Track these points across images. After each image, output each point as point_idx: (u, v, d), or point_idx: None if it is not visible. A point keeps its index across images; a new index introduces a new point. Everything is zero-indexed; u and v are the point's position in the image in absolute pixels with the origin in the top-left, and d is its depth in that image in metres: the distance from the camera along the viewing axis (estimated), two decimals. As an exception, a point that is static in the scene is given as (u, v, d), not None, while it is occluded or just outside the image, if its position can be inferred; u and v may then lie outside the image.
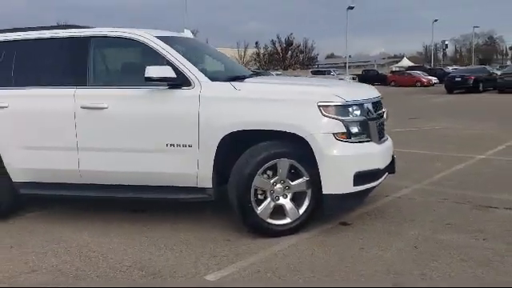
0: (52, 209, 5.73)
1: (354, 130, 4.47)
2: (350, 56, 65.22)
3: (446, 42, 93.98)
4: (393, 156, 5.11)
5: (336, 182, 4.42)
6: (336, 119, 4.39)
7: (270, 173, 4.57)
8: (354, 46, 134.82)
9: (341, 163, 4.41)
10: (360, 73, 52.16)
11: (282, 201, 4.61)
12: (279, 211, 4.63)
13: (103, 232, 4.94)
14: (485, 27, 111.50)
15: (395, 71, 51.93)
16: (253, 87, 4.85)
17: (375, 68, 66.15)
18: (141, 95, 4.81)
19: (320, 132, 4.36)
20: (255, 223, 4.55)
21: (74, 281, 3.85)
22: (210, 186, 4.71)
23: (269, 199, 4.57)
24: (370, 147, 4.60)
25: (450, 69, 55.90)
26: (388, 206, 5.53)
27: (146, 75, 4.57)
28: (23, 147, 5.07)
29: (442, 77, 42.30)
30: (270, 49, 72.84)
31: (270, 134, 4.54)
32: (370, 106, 4.68)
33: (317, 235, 4.64)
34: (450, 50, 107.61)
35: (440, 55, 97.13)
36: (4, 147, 5.11)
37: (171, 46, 4.90)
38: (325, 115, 4.39)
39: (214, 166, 4.62)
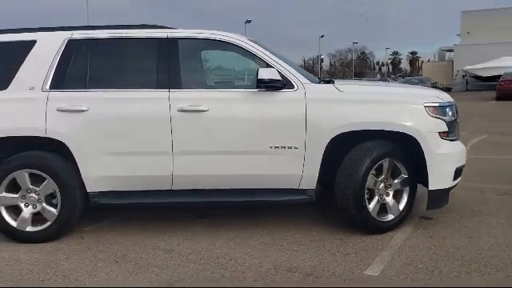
0: (103, 220, 5.40)
1: (451, 129, 4.82)
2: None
3: (322, 57, 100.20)
4: None
5: (441, 177, 4.74)
6: (440, 119, 4.72)
7: (374, 172, 4.75)
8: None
9: (447, 160, 4.74)
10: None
11: (385, 198, 4.81)
12: (381, 209, 4.83)
13: (199, 239, 4.80)
14: (360, 43, 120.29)
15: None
16: (355, 89, 5.02)
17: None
18: (243, 98, 4.74)
19: (429, 131, 4.65)
20: (367, 221, 4.70)
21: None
22: (313, 187, 4.77)
23: (377, 197, 4.76)
24: (460, 145, 4.99)
25: (338, 81, 59.32)
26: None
27: (258, 77, 4.55)
28: (105, 154, 4.70)
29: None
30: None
31: (370, 134, 4.73)
32: (456, 107, 5.08)
33: (416, 229, 4.91)
34: (325, 64, 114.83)
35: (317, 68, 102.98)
36: (82, 155, 4.69)
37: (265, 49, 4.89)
38: (431, 115, 4.69)
39: (320, 167, 4.69)
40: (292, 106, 4.67)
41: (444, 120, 4.74)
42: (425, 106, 4.70)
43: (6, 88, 4.75)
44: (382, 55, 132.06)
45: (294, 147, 4.67)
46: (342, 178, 4.65)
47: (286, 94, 4.70)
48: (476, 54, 42.28)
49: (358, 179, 4.59)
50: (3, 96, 4.73)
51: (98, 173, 4.72)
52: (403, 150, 4.79)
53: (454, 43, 48.59)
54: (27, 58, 4.80)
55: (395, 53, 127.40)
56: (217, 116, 4.68)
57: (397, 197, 4.88)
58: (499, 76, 31.85)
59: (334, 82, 5.03)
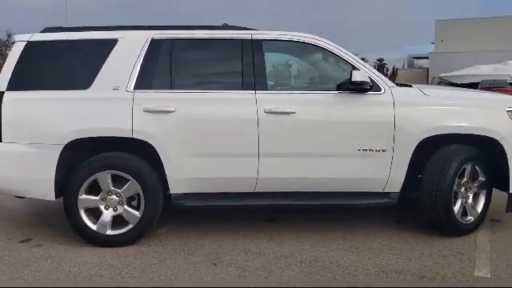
0: (169, 223, 5.26)
1: (525, 133, 4.92)
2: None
3: (290, 63, 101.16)
4: None
5: (522, 180, 4.83)
6: (519, 123, 4.82)
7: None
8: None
9: None
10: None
11: (467, 201, 4.89)
12: (463, 211, 4.89)
13: (284, 242, 4.76)
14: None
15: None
16: (439, 93, 5.08)
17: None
18: (331, 100, 4.73)
19: (511, 135, 4.75)
20: (453, 223, 4.76)
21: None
22: (398, 190, 4.79)
23: (460, 200, 4.83)
24: None
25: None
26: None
27: (352, 79, 4.57)
28: (191, 155, 4.60)
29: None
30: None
31: (451, 138, 4.78)
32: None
33: (494, 231, 5.01)
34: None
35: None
36: (168, 156, 4.58)
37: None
38: (512, 119, 4.80)
39: (407, 170, 4.72)
40: (381, 108, 4.69)
41: (522, 124, 4.85)
42: (507, 111, 4.80)
43: (88, 87, 4.61)
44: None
45: (382, 150, 4.68)
46: (431, 181, 4.68)
47: (373, 96, 4.71)
48: (450, 61, 43.36)
49: (447, 182, 4.64)
50: (86, 95, 4.59)
51: (183, 174, 4.63)
52: (482, 154, 4.87)
53: (429, 51, 49.80)
54: (109, 57, 4.67)
55: (362, 59, 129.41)
56: (305, 118, 4.65)
57: (474, 200, 4.96)
58: (474, 83, 32.70)
59: (411, 86, 5.08)
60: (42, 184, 4.58)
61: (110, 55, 4.68)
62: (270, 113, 4.61)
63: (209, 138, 4.62)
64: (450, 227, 4.77)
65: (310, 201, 4.82)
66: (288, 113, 4.63)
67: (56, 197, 4.63)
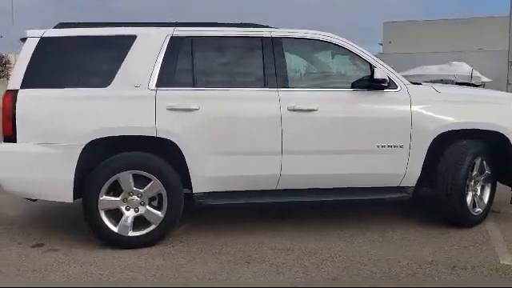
0: (184, 224, 5.19)
1: (528, 128, 5.20)
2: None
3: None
4: None
5: (526, 174, 5.11)
6: (523, 119, 5.10)
7: (469, 169, 5.02)
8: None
9: None
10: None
11: (476, 193, 5.11)
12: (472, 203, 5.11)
13: (306, 238, 4.79)
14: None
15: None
16: (450, 90, 5.27)
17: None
18: (351, 97, 4.82)
19: None
20: (467, 215, 4.97)
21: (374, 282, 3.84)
22: (413, 184, 4.95)
23: (471, 192, 5.04)
24: None
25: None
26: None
27: (374, 77, 4.67)
28: (215, 154, 4.57)
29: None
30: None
31: (462, 133, 4.98)
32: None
33: (499, 222, 5.26)
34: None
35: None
36: (191, 155, 4.52)
37: None
38: (517, 116, 5.06)
39: (423, 165, 4.88)
40: (398, 105, 4.82)
41: (526, 120, 5.12)
42: (512, 107, 5.07)
43: (108, 85, 4.48)
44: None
45: (400, 146, 4.81)
46: (446, 175, 4.84)
47: (390, 93, 4.84)
48: (398, 62, 44.66)
49: (462, 175, 4.83)
50: (107, 93, 4.46)
51: (207, 173, 4.59)
52: (490, 149, 5.10)
53: (379, 52, 51.27)
54: (128, 54, 4.55)
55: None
56: (326, 115, 4.71)
57: (481, 192, 5.20)
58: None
59: (421, 84, 5.26)
60: (59, 186, 4.42)
61: (130, 52, 4.56)
62: (293, 110, 4.64)
63: (233, 135, 4.59)
64: (463, 219, 4.97)
65: (331, 197, 4.88)
66: (310, 110, 4.68)
67: (74, 198, 4.48)
